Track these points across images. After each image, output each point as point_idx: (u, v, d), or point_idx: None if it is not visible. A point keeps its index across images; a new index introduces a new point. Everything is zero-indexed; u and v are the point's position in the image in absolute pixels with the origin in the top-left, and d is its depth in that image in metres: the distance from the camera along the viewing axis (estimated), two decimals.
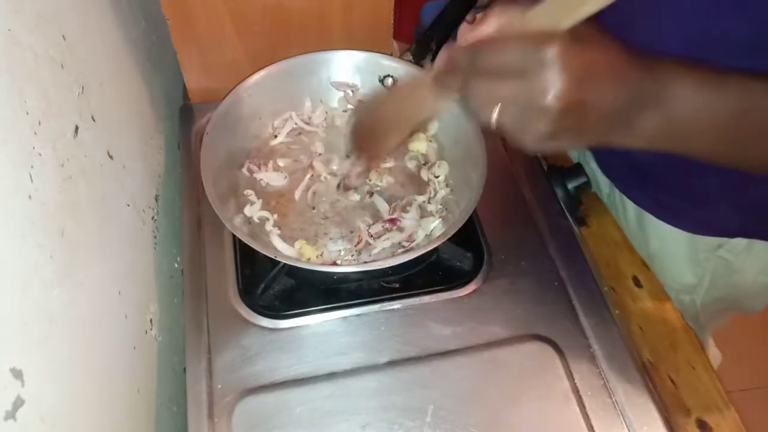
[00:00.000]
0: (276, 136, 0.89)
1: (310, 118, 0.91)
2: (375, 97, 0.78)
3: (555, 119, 0.46)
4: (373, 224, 0.80)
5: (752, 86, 0.51)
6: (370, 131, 0.69)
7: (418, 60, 0.87)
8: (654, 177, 0.85)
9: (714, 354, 1.61)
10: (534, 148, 0.49)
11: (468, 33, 0.52)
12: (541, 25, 0.47)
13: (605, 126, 0.49)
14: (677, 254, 0.87)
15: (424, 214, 0.82)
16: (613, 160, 0.92)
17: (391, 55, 0.95)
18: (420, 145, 0.88)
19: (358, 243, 0.78)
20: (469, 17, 0.86)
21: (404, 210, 0.81)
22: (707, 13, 0.64)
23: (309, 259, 0.76)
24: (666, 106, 0.49)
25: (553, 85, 0.45)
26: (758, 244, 0.82)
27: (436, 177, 0.85)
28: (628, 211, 0.92)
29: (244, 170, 0.85)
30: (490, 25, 0.50)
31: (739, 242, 0.83)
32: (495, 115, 0.48)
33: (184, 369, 0.71)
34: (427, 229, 0.79)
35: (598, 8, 0.45)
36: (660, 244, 0.88)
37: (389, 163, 0.87)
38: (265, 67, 0.87)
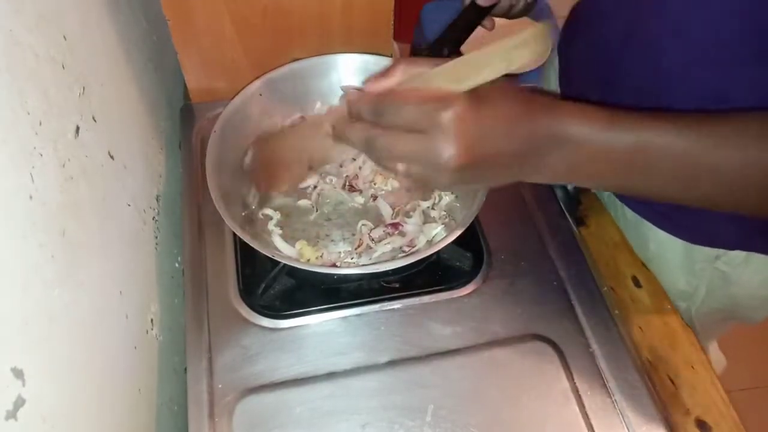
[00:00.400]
0: None
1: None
2: (276, 133, 0.80)
3: (455, 175, 0.50)
4: (374, 228, 0.80)
5: (648, 125, 0.52)
6: (268, 165, 0.71)
7: None
8: None
9: (718, 358, 1.61)
10: (444, 191, 0.53)
11: (372, 83, 0.55)
12: (443, 85, 0.50)
13: (511, 170, 0.53)
14: (673, 261, 0.87)
15: (427, 219, 0.82)
16: None
17: (391, 56, 0.95)
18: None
19: (359, 246, 0.78)
20: (488, 24, 0.86)
21: (407, 215, 0.81)
22: (706, 20, 0.65)
23: (309, 260, 0.77)
24: (566, 147, 0.52)
25: (447, 148, 0.48)
26: (757, 258, 0.81)
27: None
28: (627, 215, 0.92)
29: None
30: (394, 77, 0.54)
31: (738, 255, 0.82)
32: (399, 168, 0.51)
33: (185, 369, 0.71)
34: (429, 235, 0.79)
35: (496, 75, 0.49)
36: (657, 249, 0.88)
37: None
38: (271, 67, 0.87)
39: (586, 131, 0.52)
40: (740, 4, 0.61)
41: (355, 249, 0.78)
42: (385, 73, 0.54)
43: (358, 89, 0.58)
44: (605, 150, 0.52)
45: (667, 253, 0.87)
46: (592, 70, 0.82)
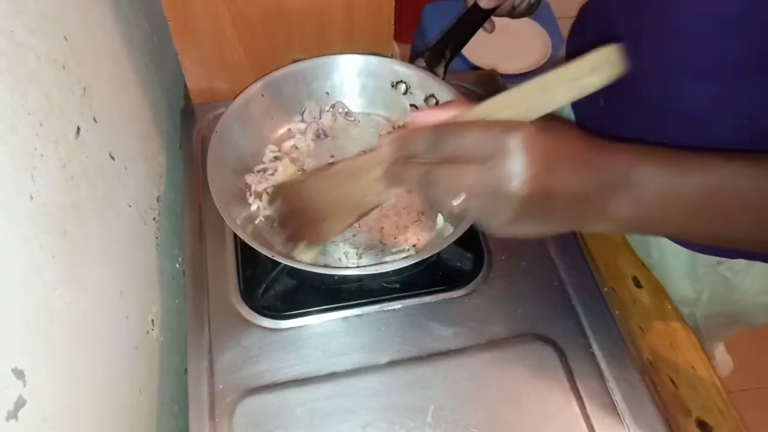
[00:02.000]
0: (287, 138, 0.89)
1: (322, 121, 0.91)
2: (304, 182, 0.71)
3: (520, 206, 0.46)
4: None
5: (719, 165, 0.50)
6: (306, 217, 0.66)
7: (431, 68, 0.87)
8: None
9: (725, 360, 1.61)
10: (501, 233, 0.49)
11: (420, 117, 0.51)
12: (506, 115, 0.47)
13: (573, 212, 0.49)
14: (677, 267, 0.87)
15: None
16: None
17: (392, 56, 0.95)
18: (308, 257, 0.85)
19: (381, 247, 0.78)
20: (488, 26, 0.86)
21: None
22: (709, 32, 0.65)
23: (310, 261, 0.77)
24: (634, 190, 0.49)
25: (517, 171, 0.44)
26: (759, 265, 0.82)
27: None
28: None
29: (256, 168, 0.85)
30: (449, 111, 0.50)
31: (739, 261, 0.82)
32: (459, 203, 0.47)
33: (186, 369, 0.71)
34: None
35: (565, 103, 0.46)
36: (660, 255, 0.88)
37: None
38: (272, 68, 0.87)
39: (655, 173, 0.49)
40: (746, 17, 0.61)
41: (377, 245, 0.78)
42: (434, 107, 0.50)
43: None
44: (676, 193, 0.50)
45: (671, 259, 0.87)
46: None
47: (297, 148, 0.88)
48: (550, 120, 0.46)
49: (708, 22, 0.64)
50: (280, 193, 0.73)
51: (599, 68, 0.44)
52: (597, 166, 0.48)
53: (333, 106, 0.92)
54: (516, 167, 0.44)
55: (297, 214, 0.67)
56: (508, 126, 0.45)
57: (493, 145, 0.45)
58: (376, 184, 0.55)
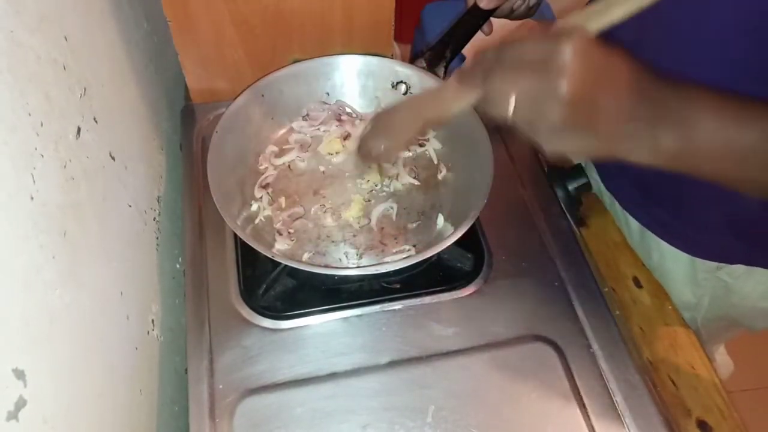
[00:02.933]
0: (288, 139, 0.89)
1: (323, 121, 0.91)
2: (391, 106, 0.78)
3: (568, 108, 0.46)
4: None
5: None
6: (383, 129, 0.70)
7: (432, 68, 0.87)
8: (655, 197, 0.85)
9: (726, 363, 1.61)
10: (549, 145, 0.49)
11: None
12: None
13: (619, 132, 0.49)
14: (677, 272, 0.87)
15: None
16: (615, 176, 0.92)
17: (392, 56, 0.95)
18: (374, 177, 0.87)
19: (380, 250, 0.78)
20: (486, 29, 0.86)
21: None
22: (714, 38, 0.64)
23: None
24: (688, 128, 0.50)
25: (564, 73, 0.46)
26: (758, 270, 0.82)
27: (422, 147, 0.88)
28: (631, 224, 0.92)
29: (259, 166, 0.85)
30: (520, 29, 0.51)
31: (738, 267, 0.82)
32: (511, 107, 0.48)
33: (186, 369, 0.71)
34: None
35: (629, 13, 0.48)
36: (660, 259, 0.88)
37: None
38: (272, 68, 0.87)
39: (710, 116, 0.50)
40: (748, 23, 0.61)
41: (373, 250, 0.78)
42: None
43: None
44: (727, 136, 0.51)
45: (671, 263, 0.87)
46: None
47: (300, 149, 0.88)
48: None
49: (713, 26, 0.64)
50: (374, 118, 0.77)
51: None
52: (652, 97, 0.49)
53: (336, 105, 0.92)
54: (566, 66, 0.46)
55: (378, 128, 0.71)
56: (564, 31, 0.47)
57: (548, 48, 0.46)
58: (447, 95, 0.59)
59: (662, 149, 0.50)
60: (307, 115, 0.90)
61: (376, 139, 0.70)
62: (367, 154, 0.71)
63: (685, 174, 0.53)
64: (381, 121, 0.71)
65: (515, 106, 0.48)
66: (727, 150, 0.51)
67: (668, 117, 0.49)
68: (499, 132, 0.89)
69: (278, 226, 0.79)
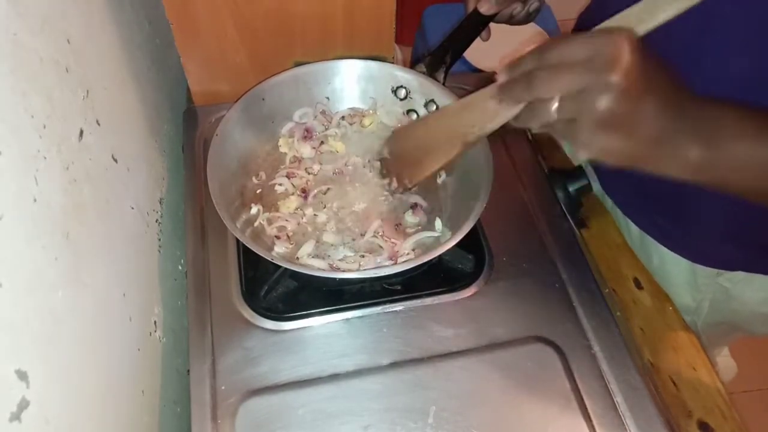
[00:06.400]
0: (289, 141, 0.89)
1: (323, 125, 0.91)
2: (416, 122, 0.76)
3: (614, 101, 0.46)
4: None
5: None
6: (410, 154, 0.68)
7: (432, 73, 0.87)
8: (656, 204, 0.85)
9: (729, 365, 1.61)
10: (585, 146, 0.49)
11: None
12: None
13: (655, 138, 0.49)
14: (677, 277, 0.87)
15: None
16: (617, 183, 0.92)
17: (393, 59, 0.95)
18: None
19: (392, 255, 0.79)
20: (484, 34, 0.86)
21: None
22: (719, 51, 0.64)
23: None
24: (716, 143, 0.50)
25: (618, 62, 0.45)
26: (758, 277, 0.82)
27: None
28: (631, 229, 0.92)
29: (259, 173, 0.85)
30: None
31: (738, 273, 0.82)
32: (555, 108, 0.48)
33: (188, 370, 0.71)
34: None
35: (674, 15, 0.48)
36: (660, 264, 0.88)
37: None
38: (274, 70, 0.87)
39: (741, 140, 0.51)
40: (751, 42, 0.61)
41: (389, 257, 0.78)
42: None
43: None
44: (750, 158, 0.51)
45: (671, 268, 0.87)
46: None
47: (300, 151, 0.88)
48: None
49: (715, 41, 0.64)
50: (390, 138, 0.76)
51: None
52: (688, 108, 0.49)
53: (323, 113, 0.92)
54: (619, 56, 0.45)
55: (403, 154, 0.69)
56: (612, 30, 0.47)
57: (597, 44, 0.46)
58: (485, 110, 0.57)
59: (691, 162, 0.50)
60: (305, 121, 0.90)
61: (403, 166, 0.69)
62: (394, 181, 0.71)
63: (701, 187, 0.53)
64: (405, 141, 0.69)
65: (559, 106, 0.48)
66: (749, 164, 0.52)
67: (701, 131, 0.50)
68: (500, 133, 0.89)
69: (274, 232, 0.80)
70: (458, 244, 0.71)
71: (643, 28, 0.49)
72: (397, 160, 0.75)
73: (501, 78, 0.53)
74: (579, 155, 0.50)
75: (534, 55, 0.49)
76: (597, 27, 0.50)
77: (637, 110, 0.47)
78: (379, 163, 0.83)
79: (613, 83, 0.45)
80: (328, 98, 0.91)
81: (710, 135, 0.50)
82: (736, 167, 0.52)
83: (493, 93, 0.54)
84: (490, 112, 0.56)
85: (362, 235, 0.80)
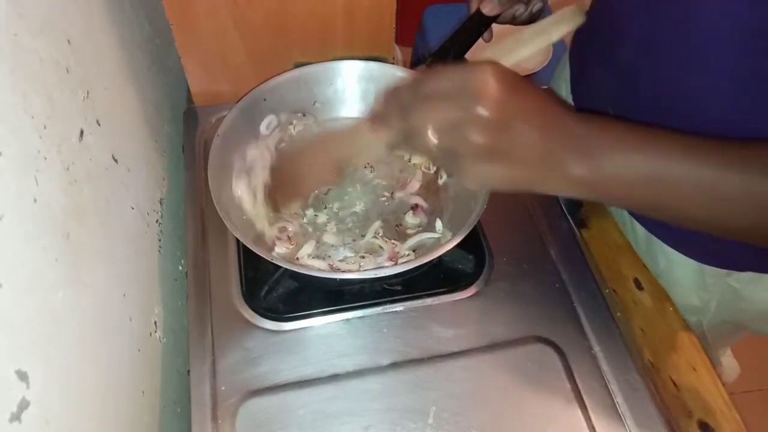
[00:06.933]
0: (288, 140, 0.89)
1: (323, 126, 0.91)
2: (301, 145, 0.79)
3: (485, 131, 0.48)
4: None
5: (674, 151, 0.52)
6: (292, 176, 0.71)
7: None
8: None
9: (732, 366, 1.61)
10: (472, 176, 0.50)
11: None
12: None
13: (536, 160, 0.50)
14: (685, 278, 0.87)
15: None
16: None
17: (393, 59, 0.95)
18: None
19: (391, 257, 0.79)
20: (486, 35, 0.86)
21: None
22: (727, 52, 0.64)
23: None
24: (596, 158, 0.51)
25: (483, 93, 0.47)
26: (767, 276, 0.81)
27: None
28: (637, 230, 0.92)
29: (257, 173, 0.84)
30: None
31: (748, 273, 0.82)
32: (432, 138, 0.50)
33: (188, 371, 0.71)
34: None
35: (537, 48, 0.53)
36: (667, 265, 0.88)
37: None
38: (274, 70, 0.87)
39: (614, 147, 0.51)
40: (760, 43, 0.60)
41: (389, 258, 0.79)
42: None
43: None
44: (630, 171, 0.52)
45: (678, 270, 0.86)
46: (605, 86, 0.81)
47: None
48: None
49: (724, 30, 0.64)
50: (279, 157, 0.78)
51: (564, 19, 0.53)
52: (562, 125, 0.51)
53: (335, 110, 0.92)
54: (481, 93, 0.47)
55: (284, 175, 0.72)
56: (479, 63, 0.49)
57: (463, 79, 0.48)
58: (362, 140, 0.60)
59: (573, 178, 0.51)
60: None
61: (283, 185, 0.73)
62: (272, 199, 0.76)
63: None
64: (289, 162, 0.73)
65: (438, 139, 0.50)
66: (637, 177, 0.52)
67: (576, 146, 0.51)
68: None
69: (275, 233, 0.80)
70: (458, 245, 0.71)
71: (506, 62, 0.52)
72: (279, 177, 0.77)
73: (376, 108, 0.56)
74: (467, 186, 0.52)
75: (408, 87, 0.52)
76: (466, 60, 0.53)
77: (511, 137, 0.49)
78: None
79: (481, 115, 0.47)
80: (329, 98, 0.91)
81: (588, 148, 0.51)
82: (621, 181, 0.52)
83: (369, 122, 0.57)
84: (366, 141, 0.60)
85: (362, 235, 0.80)
